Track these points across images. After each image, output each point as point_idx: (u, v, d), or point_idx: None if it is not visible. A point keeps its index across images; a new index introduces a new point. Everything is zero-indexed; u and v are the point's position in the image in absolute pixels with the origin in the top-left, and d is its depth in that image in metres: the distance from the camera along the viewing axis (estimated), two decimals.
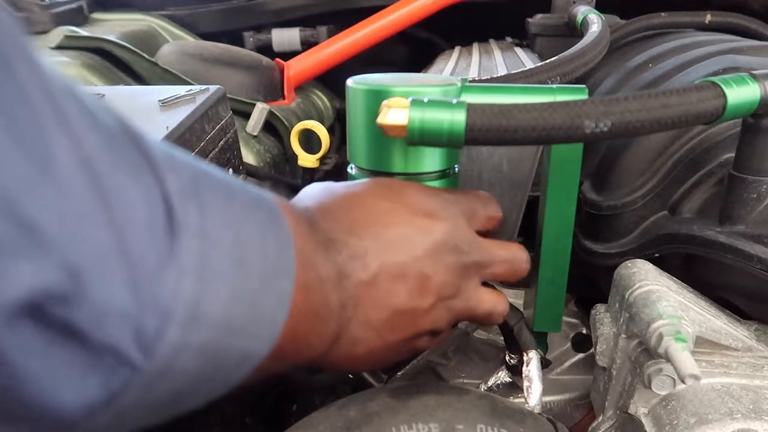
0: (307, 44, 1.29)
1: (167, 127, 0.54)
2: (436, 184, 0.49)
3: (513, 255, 0.48)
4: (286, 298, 0.31)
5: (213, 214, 0.27)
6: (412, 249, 0.41)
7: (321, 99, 1.29)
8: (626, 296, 0.51)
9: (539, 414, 0.48)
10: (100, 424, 0.24)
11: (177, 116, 0.58)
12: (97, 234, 0.22)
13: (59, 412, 0.23)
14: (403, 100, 0.41)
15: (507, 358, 0.59)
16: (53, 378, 0.22)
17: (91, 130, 0.23)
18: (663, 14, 0.92)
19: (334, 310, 0.36)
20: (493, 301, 0.47)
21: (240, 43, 1.29)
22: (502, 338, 0.58)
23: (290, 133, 0.83)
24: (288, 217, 0.33)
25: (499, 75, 0.62)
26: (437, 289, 0.42)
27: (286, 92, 1.15)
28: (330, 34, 1.27)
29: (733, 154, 0.51)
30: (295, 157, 0.85)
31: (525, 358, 0.54)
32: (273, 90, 1.13)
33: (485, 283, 0.48)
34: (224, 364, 0.28)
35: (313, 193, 0.43)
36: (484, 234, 0.47)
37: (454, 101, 0.41)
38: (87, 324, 0.22)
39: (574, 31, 0.89)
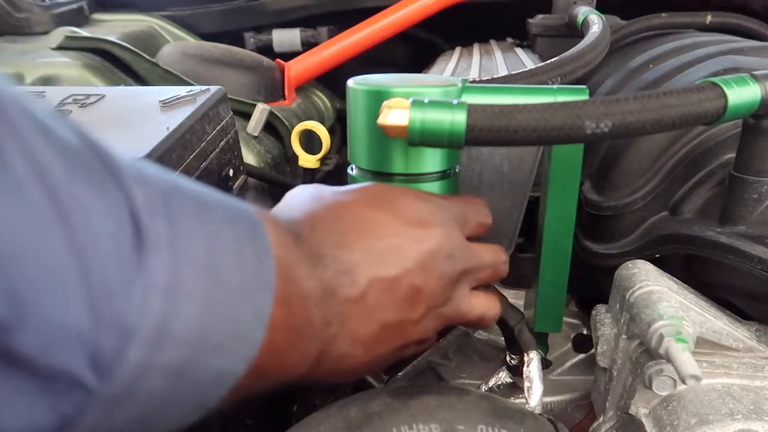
0: (307, 45, 1.29)
1: (168, 128, 0.54)
2: (436, 184, 0.49)
3: (497, 258, 0.47)
4: (265, 314, 0.30)
5: (185, 227, 0.26)
6: (404, 261, 0.40)
7: (322, 99, 1.29)
8: (627, 297, 0.51)
9: (540, 414, 0.48)
10: None
11: (177, 117, 0.58)
12: (51, 249, 0.21)
13: None
14: (403, 101, 0.41)
15: (508, 358, 0.59)
16: None
17: (45, 142, 0.22)
18: (663, 15, 0.92)
19: (317, 327, 0.35)
20: (484, 305, 0.47)
21: (240, 43, 1.29)
22: (503, 339, 0.58)
23: (291, 133, 0.83)
24: (270, 229, 0.32)
25: (499, 75, 0.62)
26: (427, 299, 0.41)
27: (286, 93, 1.15)
28: (331, 35, 1.27)
29: (733, 155, 0.51)
30: (295, 157, 0.85)
31: (526, 358, 0.54)
32: (274, 90, 1.13)
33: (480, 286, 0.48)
34: (198, 384, 0.27)
35: (301, 201, 0.41)
36: (473, 239, 0.47)
37: (455, 102, 0.41)
38: (32, 350, 0.21)
39: (574, 31, 0.89)
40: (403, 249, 0.40)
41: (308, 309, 0.34)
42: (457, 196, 0.48)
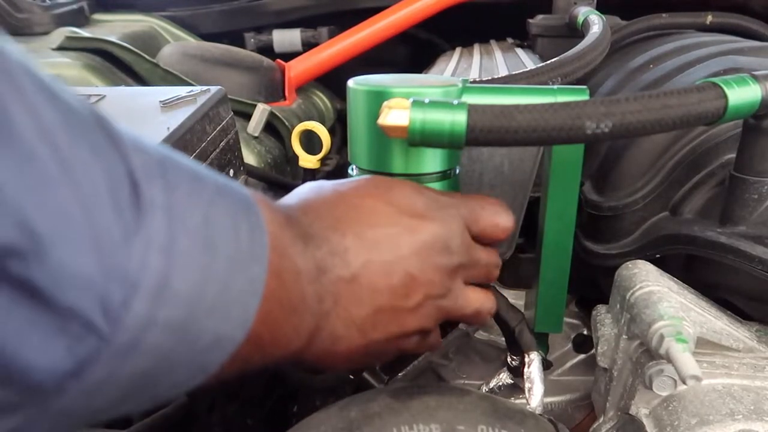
0: (308, 45, 1.29)
1: (168, 128, 0.54)
2: (436, 185, 0.49)
3: (491, 260, 0.48)
4: (259, 284, 0.31)
5: (180, 195, 0.27)
6: (398, 248, 0.40)
7: (322, 100, 1.29)
8: (627, 297, 0.51)
9: (540, 415, 0.48)
10: (72, 398, 0.24)
11: (178, 117, 0.58)
12: (59, 198, 0.22)
13: (29, 376, 0.23)
14: (404, 101, 0.41)
15: (508, 359, 0.59)
16: (18, 337, 0.22)
17: (49, 104, 0.23)
18: (664, 15, 0.92)
19: (310, 302, 0.36)
20: (481, 300, 0.47)
21: (241, 44, 1.29)
22: (503, 339, 0.58)
23: (291, 133, 0.83)
24: (262, 207, 0.33)
25: (500, 76, 0.62)
26: (424, 288, 0.41)
27: (287, 93, 1.15)
28: (331, 35, 1.28)
29: (734, 155, 0.51)
30: (296, 157, 0.85)
31: (526, 359, 0.54)
32: (274, 91, 1.13)
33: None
34: (197, 346, 0.28)
35: (300, 191, 0.42)
36: (486, 242, 0.47)
37: (455, 102, 0.41)
38: (48, 284, 0.22)
39: (575, 32, 0.89)
40: (397, 238, 0.40)
41: (301, 284, 0.35)
42: (469, 195, 0.48)
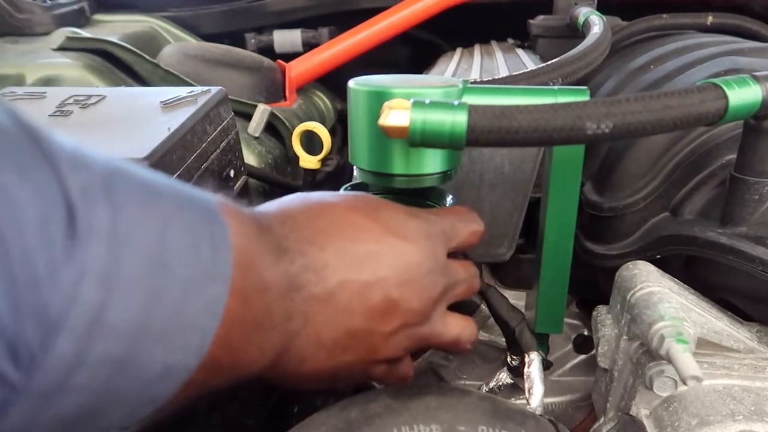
0: (308, 45, 1.29)
1: (169, 129, 0.54)
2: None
3: (470, 273, 0.46)
4: (219, 305, 0.29)
5: (129, 214, 0.25)
6: (379, 269, 0.38)
7: (322, 100, 1.29)
8: (628, 298, 0.51)
9: (541, 415, 0.48)
10: None
11: (179, 117, 0.58)
12: None
13: None
14: (404, 102, 0.41)
15: (508, 359, 0.59)
16: None
17: None
18: (664, 16, 0.92)
19: (277, 320, 0.34)
20: (460, 327, 0.45)
21: (241, 44, 1.29)
22: (504, 340, 0.58)
23: (292, 134, 0.83)
24: (229, 218, 0.31)
25: (500, 76, 0.62)
26: (403, 315, 0.39)
27: (287, 93, 1.15)
28: (331, 36, 1.27)
29: (734, 156, 0.51)
30: (296, 158, 0.85)
31: (526, 359, 0.54)
32: (274, 91, 1.13)
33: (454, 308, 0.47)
34: (142, 378, 0.26)
35: (284, 199, 0.40)
36: (463, 250, 0.46)
37: (456, 103, 0.41)
38: None
39: (575, 32, 0.89)
40: (380, 257, 0.38)
41: (268, 301, 0.33)
42: (446, 209, 0.47)
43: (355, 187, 0.55)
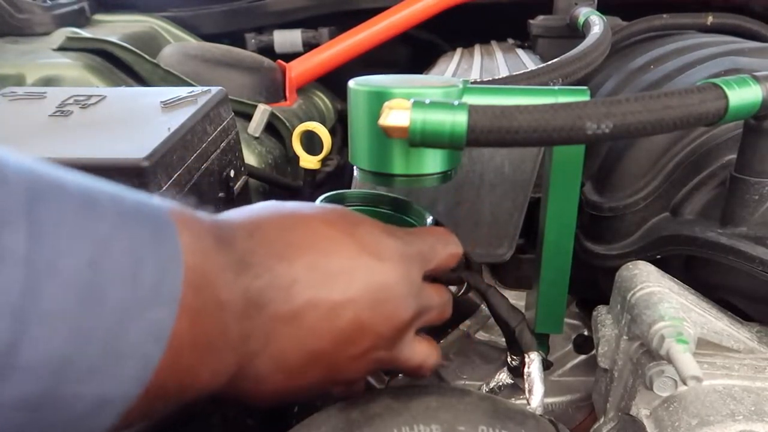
0: (308, 46, 1.29)
1: (169, 129, 0.54)
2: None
3: (444, 299, 0.45)
4: (165, 330, 0.26)
5: (54, 234, 0.23)
6: (351, 288, 0.36)
7: (322, 100, 1.29)
8: (628, 298, 0.51)
9: (541, 416, 0.48)
10: None
11: (179, 118, 0.58)
12: None
13: None
14: (404, 102, 0.41)
15: (508, 359, 0.59)
16: None
17: None
18: (664, 16, 0.92)
19: (234, 341, 0.32)
20: (425, 354, 0.44)
21: (242, 44, 1.29)
22: (504, 340, 0.58)
23: (292, 134, 0.83)
24: (183, 231, 0.29)
25: (500, 76, 0.62)
26: (371, 339, 0.37)
27: (287, 94, 1.15)
28: (332, 36, 1.28)
29: (734, 156, 0.51)
30: (296, 158, 0.85)
31: (526, 359, 0.54)
32: (275, 91, 1.13)
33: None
34: (68, 415, 0.24)
35: (255, 207, 0.38)
36: (440, 273, 0.45)
37: (456, 103, 0.41)
38: None
39: (575, 32, 0.89)
40: (353, 276, 0.36)
41: (225, 320, 0.31)
42: (425, 229, 0.45)
43: (331, 200, 0.54)
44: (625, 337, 0.51)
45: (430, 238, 0.44)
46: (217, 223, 0.33)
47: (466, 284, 0.66)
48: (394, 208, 0.54)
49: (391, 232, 0.40)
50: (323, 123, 1.03)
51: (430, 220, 0.52)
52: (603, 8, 0.94)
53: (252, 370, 0.34)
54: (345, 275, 0.36)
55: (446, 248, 0.44)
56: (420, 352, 0.43)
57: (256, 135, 0.92)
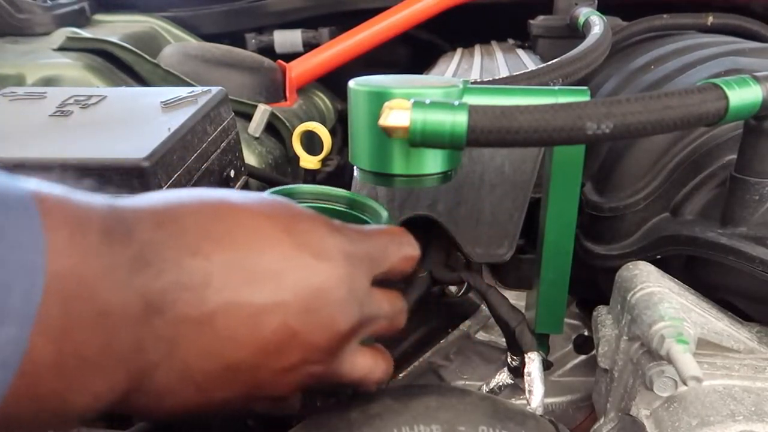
0: (309, 46, 1.29)
1: (169, 129, 0.54)
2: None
3: (395, 308, 0.39)
4: (15, 351, 0.22)
5: None
6: (280, 291, 0.31)
7: (323, 100, 1.29)
8: (628, 298, 0.51)
9: (541, 416, 0.48)
10: None
11: (179, 118, 0.58)
12: None
13: None
14: (404, 102, 0.41)
15: (509, 359, 0.59)
16: None
17: None
18: (665, 16, 0.92)
19: (122, 353, 0.26)
20: (369, 367, 0.38)
21: (242, 44, 1.29)
22: (504, 340, 0.58)
23: (292, 134, 0.83)
24: (49, 222, 0.23)
25: (500, 76, 0.62)
26: (303, 350, 0.32)
27: (287, 94, 1.15)
28: (332, 36, 1.28)
29: (734, 156, 0.51)
30: (296, 158, 0.85)
31: (527, 359, 0.54)
32: (275, 91, 1.13)
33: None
34: None
35: (175, 194, 0.32)
36: (394, 278, 0.39)
37: (456, 103, 0.41)
38: None
39: (575, 32, 0.89)
40: (284, 276, 0.31)
41: (108, 331, 0.25)
42: (378, 230, 0.40)
43: (279, 194, 0.48)
44: (625, 338, 0.51)
45: (383, 239, 0.38)
46: (111, 211, 0.28)
47: (466, 284, 0.66)
48: (348, 205, 0.51)
49: (337, 229, 0.35)
50: (323, 123, 1.03)
51: (385, 217, 0.48)
52: (603, 8, 0.94)
53: (151, 383, 0.29)
54: (274, 275, 0.31)
55: (400, 250, 0.39)
56: (362, 365, 0.37)
57: (257, 135, 0.92)
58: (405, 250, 0.39)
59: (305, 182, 0.87)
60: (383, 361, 0.39)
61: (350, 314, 0.34)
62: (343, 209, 0.51)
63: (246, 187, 0.75)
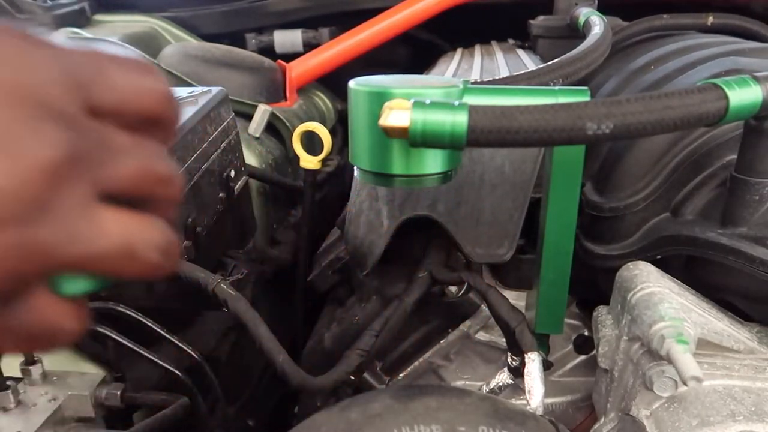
0: (309, 46, 1.29)
1: None
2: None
3: (147, 151, 0.26)
4: None
5: None
6: None
7: (323, 100, 1.29)
8: (628, 298, 0.51)
9: (541, 416, 0.48)
10: None
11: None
12: None
13: None
14: (405, 102, 0.41)
15: (509, 359, 0.59)
16: None
17: None
18: (665, 16, 0.92)
19: None
20: (127, 228, 0.24)
21: (242, 44, 1.29)
22: (504, 340, 0.58)
23: (292, 134, 0.83)
24: None
25: (501, 77, 0.63)
26: None
27: (288, 94, 1.15)
28: (332, 36, 1.28)
29: (735, 156, 0.51)
30: (296, 158, 0.85)
31: (527, 359, 0.54)
32: (275, 92, 1.13)
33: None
34: None
35: None
36: (121, 113, 0.25)
37: (456, 103, 0.41)
38: None
39: (576, 33, 0.89)
40: None
41: None
42: (100, 49, 0.26)
43: None
44: (625, 338, 0.51)
45: (99, 56, 0.25)
46: None
47: (466, 284, 0.66)
48: None
49: (43, 44, 0.23)
50: (323, 123, 1.03)
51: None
52: (603, 8, 0.94)
53: None
54: None
55: (130, 75, 0.26)
56: (116, 225, 0.24)
57: (257, 135, 0.92)
58: (141, 78, 0.26)
59: (305, 182, 0.87)
60: (153, 221, 0.26)
61: (57, 140, 0.22)
62: None
63: (246, 187, 0.75)
